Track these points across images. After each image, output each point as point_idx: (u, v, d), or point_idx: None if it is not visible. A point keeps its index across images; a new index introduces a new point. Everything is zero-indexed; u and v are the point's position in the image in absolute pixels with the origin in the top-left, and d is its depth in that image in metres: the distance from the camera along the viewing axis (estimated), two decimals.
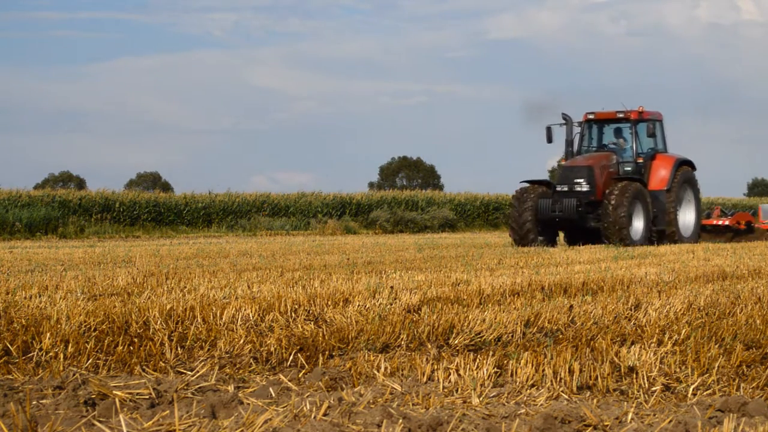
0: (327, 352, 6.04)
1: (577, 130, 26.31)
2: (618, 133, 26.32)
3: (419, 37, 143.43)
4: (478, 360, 5.36)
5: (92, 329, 6.66)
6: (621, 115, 26.01)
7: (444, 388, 4.89)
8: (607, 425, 4.16)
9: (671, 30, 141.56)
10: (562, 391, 4.89)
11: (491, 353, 5.77)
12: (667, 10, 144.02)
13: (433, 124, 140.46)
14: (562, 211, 24.67)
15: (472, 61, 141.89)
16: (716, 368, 5.40)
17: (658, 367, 5.38)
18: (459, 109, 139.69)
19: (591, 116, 26.29)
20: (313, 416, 4.17)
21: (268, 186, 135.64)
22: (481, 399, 4.65)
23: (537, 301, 8.50)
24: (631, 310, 8.01)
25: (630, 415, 4.27)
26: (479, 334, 6.60)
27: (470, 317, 6.99)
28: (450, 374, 5.11)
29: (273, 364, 5.75)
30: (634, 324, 7.24)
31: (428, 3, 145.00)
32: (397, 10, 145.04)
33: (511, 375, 5.22)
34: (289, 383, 5.02)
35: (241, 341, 6.19)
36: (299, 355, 5.89)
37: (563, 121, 26.09)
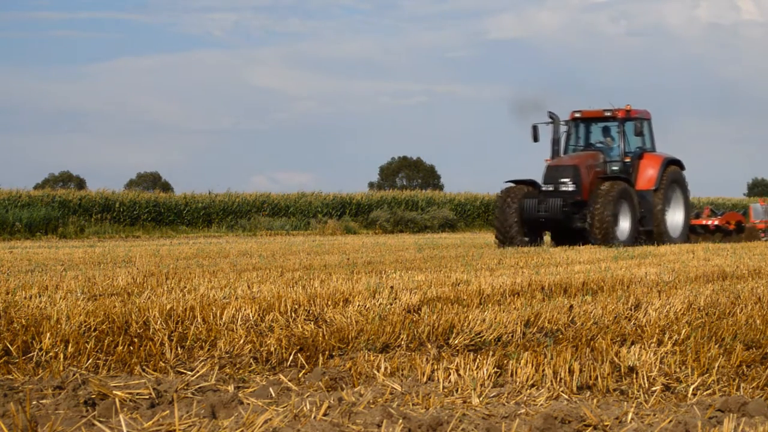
0: (327, 352, 6.04)
1: (563, 128, 25.91)
2: (606, 132, 25.92)
3: (419, 37, 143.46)
4: (478, 360, 5.36)
5: (92, 329, 6.66)
6: (608, 114, 25.64)
7: (444, 388, 4.89)
8: (607, 425, 4.16)
9: (671, 30, 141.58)
10: (562, 391, 4.89)
11: (491, 353, 5.77)
12: (667, 10, 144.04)
13: (433, 124, 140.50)
14: (548, 212, 24.33)
15: (472, 61, 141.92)
16: (716, 368, 5.40)
17: (658, 367, 5.38)
18: (459, 109, 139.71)
19: (578, 115, 25.89)
20: (313, 416, 4.17)
21: (268, 186, 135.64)
22: (481, 399, 4.65)
23: (537, 301, 8.50)
24: (631, 310, 8.01)
25: (630, 415, 4.27)
26: (479, 334, 6.60)
27: (470, 317, 6.99)
28: (450, 374, 5.11)
29: (273, 364, 5.75)
30: (634, 324, 7.24)
31: (428, 3, 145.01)
32: (397, 10, 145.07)
33: (511, 375, 5.22)
34: (289, 383, 5.02)
35: (241, 341, 6.19)
36: (299, 355, 5.89)
37: (550, 120, 25.71)
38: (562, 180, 24.60)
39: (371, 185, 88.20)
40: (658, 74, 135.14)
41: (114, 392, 4.57)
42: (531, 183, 24.99)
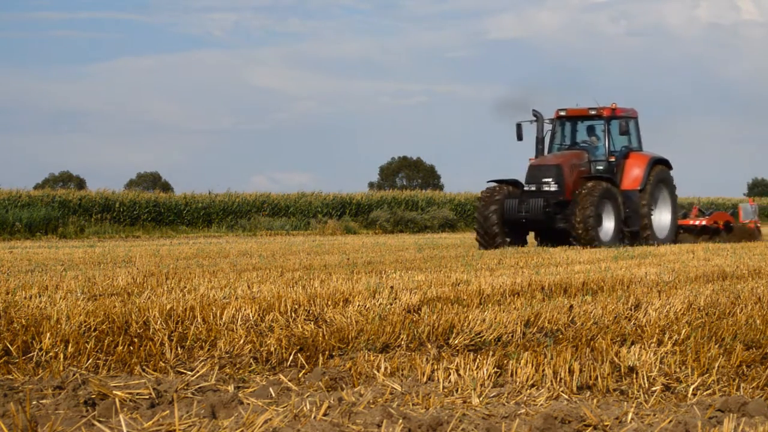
0: (327, 352, 6.04)
1: (548, 127, 25.31)
2: (591, 130, 25.37)
3: (419, 37, 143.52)
4: (478, 360, 5.36)
5: (92, 329, 6.66)
6: (593, 112, 25.05)
7: (444, 388, 4.89)
8: (607, 425, 4.16)
9: (671, 30, 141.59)
10: (562, 391, 4.89)
11: (491, 353, 5.77)
12: (667, 10, 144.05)
13: (433, 124, 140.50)
14: (529, 212, 23.72)
15: (472, 61, 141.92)
16: (716, 368, 5.40)
17: (658, 367, 5.38)
18: (459, 109, 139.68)
19: (562, 113, 25.28)
20: (313, 416, 4.17)
21: (268, 186, 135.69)
22: (481, 399, 4.65)
23: (537, 301, 8.50)
24: (631, 310, 8.01)
25: (630, 415, 4.27)
26: (479, 334, 6.60)
27: (470, 317, 6.99)
28: (450, 374, 5.11)
29: (273, 364, 5.75)
30: (634, 324, 7.24)
31: (428, 3, 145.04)
32: (397, 10, 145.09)
33: (511, 375, 5.22)
34: (289, 383, 5.02)
35: (241, 341, 6.19)
36: (299, 355, 5.89)
37: (534, 118, 25.08)
38: (545, 180, 24.05)
39: (371, 185, 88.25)
40: (658, 74, 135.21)
41: (114, 392, 4.57)
42: (514, 183, 24.43)
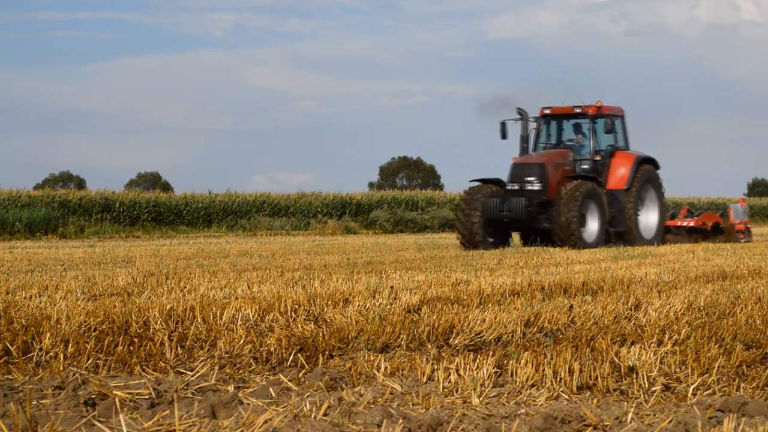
0: (327, 352, 6.04)
1: (533, 126, 24.74)
2: (578, 129, 24.75)
3: (419, 37, 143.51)
4: (478, 360, 5.36)
5: (92, 329, 6.66)
6: (578, 110, 24.42)
7: (444, 388, 4.89)
8: (607, 425, 4.16)
9: (671, 30, 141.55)
10: (562, 391, 4.89)
11: (491, 353, 5.77)
12: (667, 10, 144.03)
13: (433, 124, 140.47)
14: (511, 211, 23.11)
15: (472, 61, 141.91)
16: (716, 368, 5.40)
17: (658, 367, 5.38)
18: (459, 109, 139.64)
19: (547, 111, 24.67)
20: (313, 416, 4.17)
21: (268, 186, 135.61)
22: (481, 399, 4.65)
23: (537, 301, 8.50)
24: (631, 310, 8.01)
25: (630, 415, 4.27)
26: (479, 334, 6.60)
27: (470, 317, 6.99)
28: (450, 374, 5.11)
29: (273, 364, 5.75)
30: (634, 324, 7.24)
31: (428, 3, 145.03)
32: (397, 10, 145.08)
33: (511, 375, 5.22)
34: (289, 383, 5.02)
35: (241, 341, 6.19)
36: (299, 355, 5.89)
37: (518, 117, 24.50)
38: (528, 178, 23.43)
39: (371, 185, 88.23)
40: (658, 74, 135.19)
41: (114, 392, 4.57)
42: (497, 182, 23.86)
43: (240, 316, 7.24)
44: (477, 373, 5.10)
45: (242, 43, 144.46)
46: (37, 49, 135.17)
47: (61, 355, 5.73)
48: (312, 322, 7.20)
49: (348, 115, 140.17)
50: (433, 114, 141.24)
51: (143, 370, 5.44)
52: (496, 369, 5.28)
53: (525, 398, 4.75)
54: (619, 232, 24.29)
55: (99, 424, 4.09)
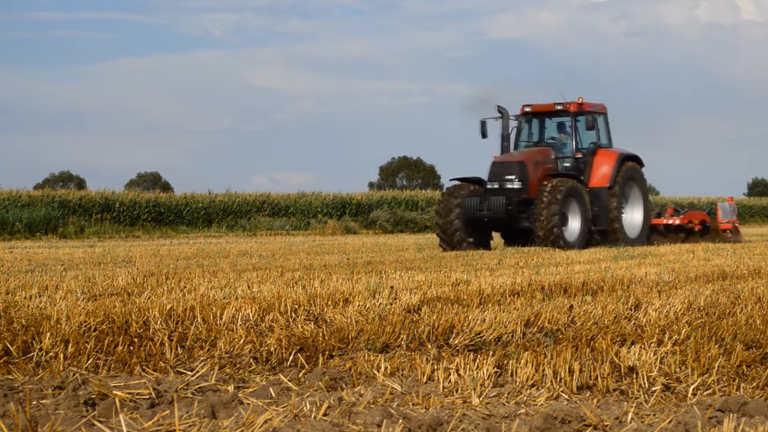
0: (327, 352, 6.04)
1: (513, 123, 24.21)
2: (561, 127, 24.21)
3: (419, 37, 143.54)
4: (478, 360, 5.36)
5: (92, 329, 6.66)
6: (559, 107, 23.85)
7: (444, 388, 4.89)
8: (607, 425, 4.16)
9: (671, 30, 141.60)
10: (562, 391, 4.89)
11: (491, 353, 5.77)
12: (667, 10, 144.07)
13: (433, 124, 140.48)
14: (490, 210, 22.47)
15: (472, 61, 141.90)
16: (716, 368, 5.40)
17: (658, 367, 5.38)
18: (459, 109, 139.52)
19: (528, 109, 24.15)
20: (313, 416, 4.17)
21: (268, 186, 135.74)
22: (481, 399, 4.65)
23: (537, 301, 8.50)
24: (631, 310, 8.01)
25: (630, 415, 4.27)
26: (479, 334, 6.60)
27: (470, 317, 6.99)
28: (450, 374, 5.11)
29: (273, 364, 5.75)
30: (634, 324, 7.24)
31: (428, 3, 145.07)
32: (397, 10, 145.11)
33: (511, 375, 5.22)
34: (289, 383, 5.02)
35: (241, 341, 6.19)
36: (299, 355, 5.89)
37: (499, 115, 23.97)
38: (507, 177, 22.86)
39: (371, 185, 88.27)
40: (658, 74, 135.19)
41: (114, 392, 4.57)
42: (477, 181, 23.29)
43: (240, 316, 7.24)
44: (477, 373, 5.10)
45: (242, 43, 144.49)
46: (37, 49, 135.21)
47: (61, 355, 5.73)
48: (312, 322, 7.20)
49: (348, 115, 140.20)
50: (433, 114, 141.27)
51: (143, 370, 5.44)
52: (496, 369, 5.28)
53: (525, 398, 4.75)
54: (602, 230, 23.81)
55: (99, 424, 4.09)
